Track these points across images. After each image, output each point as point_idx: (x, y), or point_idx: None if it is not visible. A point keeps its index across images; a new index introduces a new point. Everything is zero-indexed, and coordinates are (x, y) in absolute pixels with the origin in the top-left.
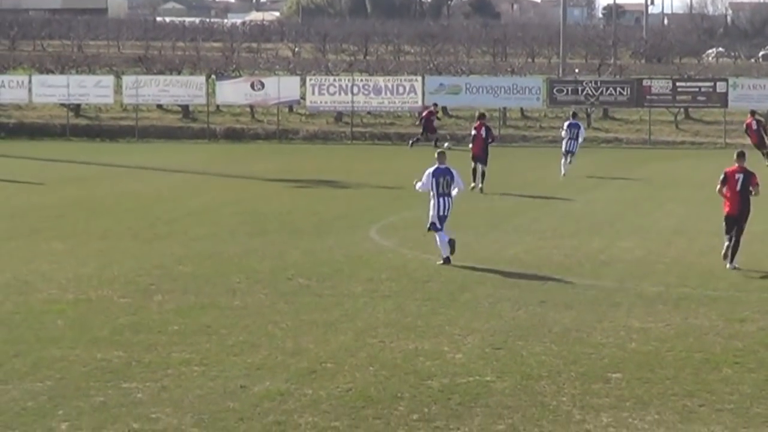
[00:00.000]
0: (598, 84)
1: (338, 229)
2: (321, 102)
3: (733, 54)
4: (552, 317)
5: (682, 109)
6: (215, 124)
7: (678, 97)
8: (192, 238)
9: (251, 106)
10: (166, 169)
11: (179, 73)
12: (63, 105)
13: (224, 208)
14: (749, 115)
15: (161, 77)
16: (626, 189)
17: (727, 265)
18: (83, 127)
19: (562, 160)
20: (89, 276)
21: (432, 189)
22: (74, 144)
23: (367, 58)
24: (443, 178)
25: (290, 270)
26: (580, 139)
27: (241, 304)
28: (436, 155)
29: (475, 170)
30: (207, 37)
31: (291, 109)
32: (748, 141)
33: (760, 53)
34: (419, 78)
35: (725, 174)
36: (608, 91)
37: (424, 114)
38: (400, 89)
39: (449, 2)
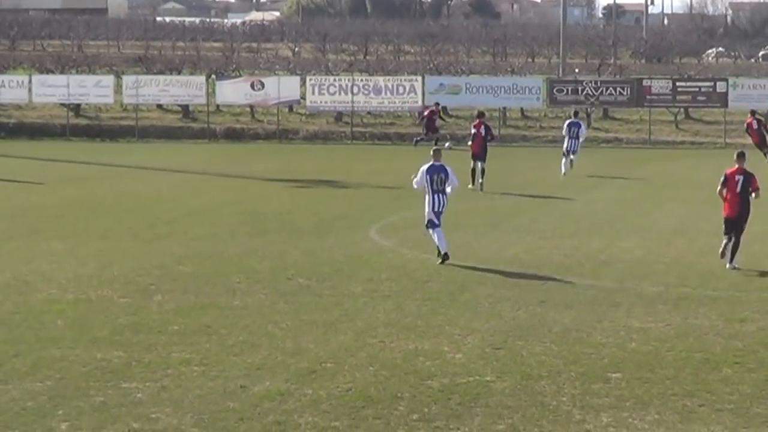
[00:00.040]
0: (598, 84)
1: (338, 229)
2: (321, 102)
3: (733, 54)
4: (552, 317)
5: (682, 109)
6: (215, 124)
7: (678, 97)
8: (192, 238)
9: (251, 106)
10: (166, 169)
11: (179, 73)
12: (63, 105)
13: (224, 208)
14: (749, 115)
15: (161, 77)
16: (626, 189)
17: (727, 265)
18: (83, 127)
19: (563, 160)
20: (89, 276)
21: (426, 186)
22: (74, 144)
23: (367, 58)
24: (437, 175)
25: (290, 270)
26: (581, 138)
27: (241, 304)
28: (431, 152)
29: (474, 170)
30: (207, 37)
31: (291, 109)
32: (748, 141)
33: (760, 53)
34: (419, 78)
35: (725, 175)
36: (608, 91)
37: (425, 113)
38: (400, 89)
39: (449, 2)
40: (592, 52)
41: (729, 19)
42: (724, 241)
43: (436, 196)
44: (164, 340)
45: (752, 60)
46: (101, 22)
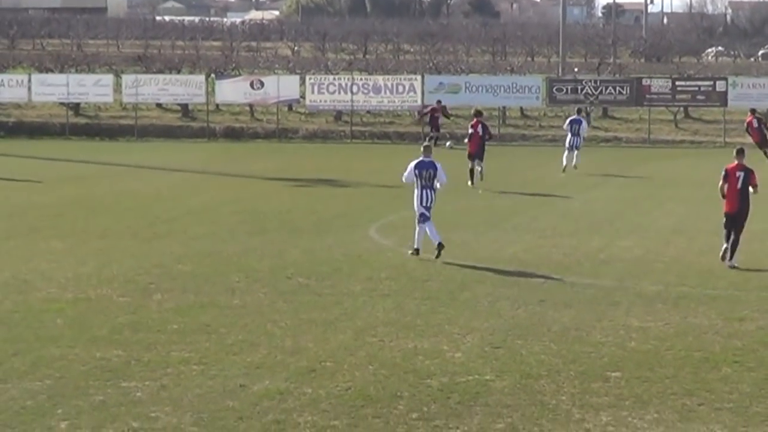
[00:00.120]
0: (598, 83)
1: (337, 228)
2: (320, 101)
3: (732, 53)
4: (551, 316)
5: (681, 108)
6: (215, 123)
7: (677, 96)
8: (191, 237)
9: (251, 105)
10: (166, 168)
11: (179, 72)
12: (62, 104)
13: (223, 207)
14: (749, 114)
15: (161, 76)
16: (625, 188)
17: (726, 263)
18: (82, 125)
19: (565, 153)
20: (88, 275)
21: (415, 181)
22: (73, 143)
23: (367, 57)
24: (426, 171)
25: (289, 269)
26: (584, 134)
27: (240, 302)
28: (422, 148)
29: (472, 170)
30: (206, 36)
31: (290, 108)
32: (748, 140)
33: (760, 52)
34: (419, 77)
35: (726, 171)
36: (608, 90)
37: (427, 110)
38: (400, 88)
39: (449, 1)
40: (592, 52)
41: (728, 18)
42: (724, 245)
43: (424, 192)
44: (163, 339)
45: (752, 59)
46: (101, 21)
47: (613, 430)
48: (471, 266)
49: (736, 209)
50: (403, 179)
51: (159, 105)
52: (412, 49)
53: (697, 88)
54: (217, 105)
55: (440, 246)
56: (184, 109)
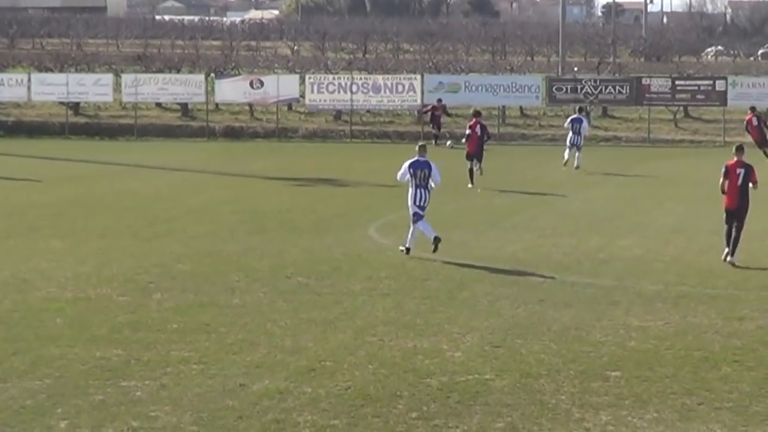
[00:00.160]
0: (598, 82)
1: (337, 227)
2: (320, 100)
3: (732, 52)
4: (551, 315)
5: (681, 108)
6: (214, 123)
7: (677, 96)
8: (191, 236)
9: (250, 105)
10: (165, 168)
11: (178, 71)
12: (62, 103)
13: (223, 207)
14: (749, 111)
15: (160, 75)
16: (625, 187)
17: (727, 259)
18: (82, 125)
19: (567, 151)
20: (88, 274)
21: (410, 180)
22: (73, 142)
23: (367, 56)
24: (421, 170)
25: (289, 268)
26: (585, 132)
27: (240, 302)
28: (416, 148)
29: (471, 170)
30: (206, 35)
31: (290, 107)
32: (747, 139)
33: (759, 51)
34: (418, 76)
35: (726, 168)
36: (607, 90)
37: (427, 108)
38: (399, 88)
39: (448, 1)
40: (592, 51)
41: (728, 17)
42: (726, 250)
43: (418, 191)
44: (163, 338)
45: (751, 58)
46: (100, 20)
47: (612, 430)
48: (470, 265)
49: (736, 205)
50: (398, 177)
51: (158, 104)
52: (411, 49)
53: (696, 88)
54: (217, 104)
55: (437, 240)
56: (184, 109)
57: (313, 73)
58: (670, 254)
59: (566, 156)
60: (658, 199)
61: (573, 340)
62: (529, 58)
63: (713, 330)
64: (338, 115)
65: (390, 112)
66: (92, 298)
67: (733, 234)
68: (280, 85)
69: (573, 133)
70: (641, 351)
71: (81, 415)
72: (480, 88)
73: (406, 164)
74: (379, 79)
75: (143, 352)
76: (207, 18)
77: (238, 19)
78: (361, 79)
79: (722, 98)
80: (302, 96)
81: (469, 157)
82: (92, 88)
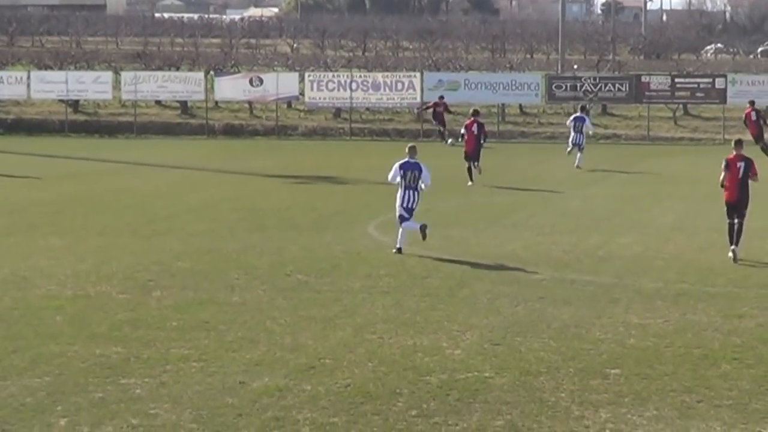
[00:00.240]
0: (597, 80)
1: (337, 225)
2: (320, 98)
3: (731, 50)
4: (551, 313)
5: (680, 105)
6: (214, 120)
7: (677, 93)
8: (190, 234)
9: (250, 102)
10: (165, 165)
11: (178, 69)
12: (61, 101)
13: (223, 204)
14: (748, 105)
15: (160, 73)
16: (625, 185)
17: (732, 247)
18: (81, 123)
19: (569, 148)
20: (88, 272)
21: (400, 181)
22: (72, 140)
23: (366, 54)
24: (411, 172)
25: (289, 266)
26: (590, 132)
27: (239, 300)
28: (406, 149)
29: (470, 168)
30: (206, 33)
31: (289, 105)
32: (747, 137)
33: (759, 49)
34: (418, 74)
35: (727, 161)
36: (607, 88)
37: (429, 105)
38: (399, 85)
39: None
40: (591, 49)
41: (728, 15)
42: (732, 247)
43: (407, 192)
44: (163, 336)
45: (751, 56)
46: (100, 18)
47: (612, 427)
48: (470, 263)
49: (736, 198)
50: (389, 179)
51: (158, 102)
52: (411, 46)
53: (696, 86)
54: (216, 102)
55: (423, 228)
56: (183, 106)
57: (313, 70)
58: (670, 252)
59: (570, 147)
60: (658, 197)
61: (572, 337)
62: (528, 56)
63: (713, 328)
64: (338, 112)
65: (389, 110)
66: (92, 296)
67: (736, 227)
68: (280, 83)
69: (575, 132)
70: (641, 348)
71: (80, 413)
72: (479, 85)
73: (397, 165)
74: (379, 76)
75: (143, 349)
76: (206, 15)
77: (237, 17)
78: (360, 76)
79: (722, 96)
80: (302, 94)
81: (467, 157)
82: (92, 85)
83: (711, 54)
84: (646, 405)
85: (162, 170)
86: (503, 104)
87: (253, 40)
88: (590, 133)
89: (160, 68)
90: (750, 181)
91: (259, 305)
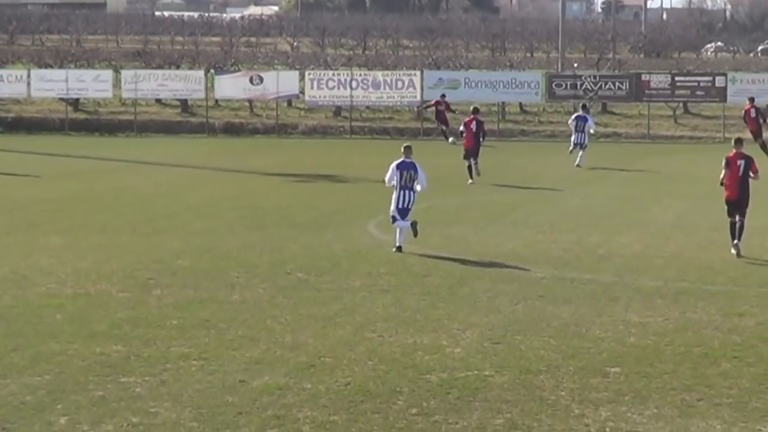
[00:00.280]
0: (597, 79)
1: (337, 223)
2: (320, 96)
3: (731, 49)
4: (550, 312)
5: (680, 104)
6: (214, 119)
7: (677, 92)
8: (191, 232)
9: (250, 101)
10: (165, 164)
11: (178, 67)
12: (62, 99)
13: (223, 203)
14: (748, 102)
15: (160, 72)
16: (625, 183)
17: (735, 241)
18: (82, 121)
19: (570, 147)
20: (88, 270)
21: (396, 181)
22: (73, 138)
23: (366, 52)
24: (407, 172)
25: (289, 264)
26: (592, 131)
27: (239, 298)
28: (402, 149)
29: (470, 166)
30: (206, 31)
31: (290, 103)
32: (747, 135)
33: (759, 48)
34: (418, 72)
35: (727, 159)
36: (607, 86)
37: (430, 103)
38: (399, 84)
39: None
40: (591, 47)
41: (728, 13)
42: (734, 242)
43: (403, 192)
44: (163, 334)
45: (751, 55)
46: (100, 16)
47: (612, 426)
48: (470, 262)
49: (737, 196)
50: (387, 181)
51: (158, 100)
52: (411, 45)
53: (696, 84)
54: (216, 100)
55: (413, 224)
56: (184, 105)
57: (313, 69)
58: (670, 250)
59: (572, 146)
60: (658, 196)
61: (572, 336)
62: (528, 55)
63: (713, 326)
64: (338, 111)
65: (390, 109)
66: (92, 294)
67: (737, 223)
68: (280, 82)
69: (577, 132)
70: (641, 347)
71: (81, 411)
72: (479, 84)
73: (393, 165)
74: (379, 75)
75: (143, 348)
76: (206, 14)
77: (237, 15)
78: (360, 75)
79: (722, 94)
80: (302, 92)
81: (466, 154)
82: (92, 84)
83: (711, 52)
84: (646, 403)
85: (162, 169)
86: (503, 103)
87: (253, 39)
88: (592, 131)
89: (160, 66)
90: (750, 179)
91: (260, 303)
